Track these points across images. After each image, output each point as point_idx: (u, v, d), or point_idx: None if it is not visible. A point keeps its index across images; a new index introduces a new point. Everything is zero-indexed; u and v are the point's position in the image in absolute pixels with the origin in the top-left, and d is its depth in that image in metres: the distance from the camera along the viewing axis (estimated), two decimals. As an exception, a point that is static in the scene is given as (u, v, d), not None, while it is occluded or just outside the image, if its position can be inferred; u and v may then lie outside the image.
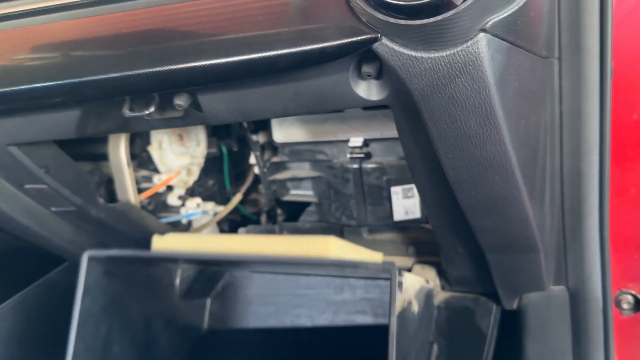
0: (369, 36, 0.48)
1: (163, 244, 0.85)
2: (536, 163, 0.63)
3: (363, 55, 0.53)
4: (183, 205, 1.05)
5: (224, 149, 1.07)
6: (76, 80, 0.58)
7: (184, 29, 0.54)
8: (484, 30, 0.46)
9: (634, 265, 0.83)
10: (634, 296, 0.84)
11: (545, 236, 0.71)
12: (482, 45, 0.47)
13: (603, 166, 0.71)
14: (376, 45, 0.49)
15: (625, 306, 0.85)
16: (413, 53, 0.48)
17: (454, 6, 0.44)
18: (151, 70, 0.54)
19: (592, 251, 0.76)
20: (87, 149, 0.95)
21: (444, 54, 0.47)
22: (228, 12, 0.53)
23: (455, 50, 0.47)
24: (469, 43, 0.47)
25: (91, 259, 0.79)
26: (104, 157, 0.94)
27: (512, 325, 0.85)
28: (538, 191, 0.65)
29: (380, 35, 0.48)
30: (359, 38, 0.48)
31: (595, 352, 0.80)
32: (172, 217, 1.04)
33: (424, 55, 0.48)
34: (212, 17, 0.54)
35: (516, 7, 0.47)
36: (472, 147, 0.54)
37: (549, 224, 0.73)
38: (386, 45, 0.48)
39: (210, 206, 1.08)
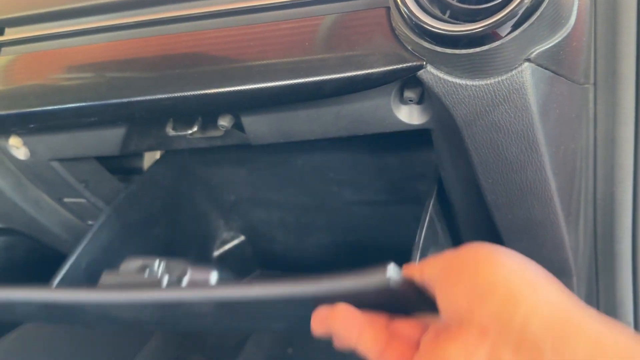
0: (414, 64, 0.49)
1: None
2: (572, 188, 0.64)
3: (406, 81, 0.54)
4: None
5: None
6: (124, 100, 0.59)
7: (232, 52, 0.56)
8: (528, 60, 0.47)
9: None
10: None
11: (578, 260, 0.71)
12: (527, 74, 0.48)
13: (637, 192, 0.71)
14: (421, 72, 0.50)
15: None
16: (458, 80, 0.49)
17: (500, 37, 0.45)
18: (199, 92, 0.56)
19: (624, 276, 0.76)
20: (122, 163, 0.97)
21: (488, 82, 0.48)
22: (275, 36, 0.55)
23: (500, 79, 0.48)
24: (513, 72, 0.48)
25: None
26: (138, 170, 0.96)
27: None
28: (573, 216, 0.66)
29: (426, 63, 0.49)
30: (404, 65, 0.50)
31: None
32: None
33: (469, 82, 0.49)
34: (259, 41, 0.55)
35: (560, 38, 0.48)
36: (513, 172, 0.55)
37: (582, 248, 0.73)
38: (431, 73, 0.49)
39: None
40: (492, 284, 0.34)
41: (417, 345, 0.39)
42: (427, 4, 0.47)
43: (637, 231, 0.74)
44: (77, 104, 0.62)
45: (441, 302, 0.37)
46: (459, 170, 0.61)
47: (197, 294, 0.47)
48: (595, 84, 0.68)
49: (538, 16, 0.45)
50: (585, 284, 0.78)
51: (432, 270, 0.38)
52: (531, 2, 0.44)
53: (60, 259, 0.85)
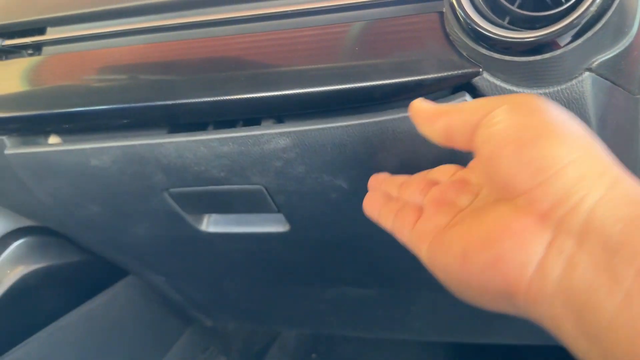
0: (470, 70, 0.48)
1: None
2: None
3: (455, 88, 0.53)
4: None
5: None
6: (168, 102, 0.59)
7: (280, 56, 0.55)
8: (589, 69, 0.46)
9: None
10: None
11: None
12: (587, 84, 0.46)
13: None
14: (476, 79, 0.49)
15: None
16: (515, 88, 0.48)
17: (560, 47, 0.44)
18: (244, 96, 0.55)
19: None
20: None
21: (547, 90, 0.47)
22: (324, 40, 0.54)
23: (559, 88, 0.47)
24: (573, 82, 0.46)
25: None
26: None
27: None
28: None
29: (482, 70, 0.48)
30: (460, 72, 0.48)
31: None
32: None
33: (526, 91, 0.48)
34: (308, 45, 0.54)
35: (622, 48, 0.46)
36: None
37: None
38: (487, 80, 0.48)
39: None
40: (561, 164, 0.30)
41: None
42: (485, 9, 0.46)
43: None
44: (119, 105, 0.61)
45: (489, 168, 0.33)
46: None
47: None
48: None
49: (602, 25, 0.43)
50: None
51: (486, 130, 0.34)
52: (596, 10, 0.43)
53: (93, 259, 0.85)
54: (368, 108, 0.55)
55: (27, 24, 0.73)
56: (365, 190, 0.59)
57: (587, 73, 0.46)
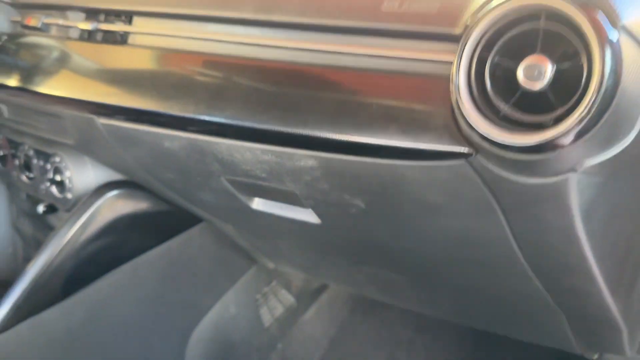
0: (464, 151, 0.52)
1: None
2: (625, 262, 0.64)
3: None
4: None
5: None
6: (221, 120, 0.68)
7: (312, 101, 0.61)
8: (573, 170, 0.48)
9: None
10: None
11: (630, 317, 0.71)
12: (572, 182, 0.48)
13: None
14: (470, 158, 0.52)
15: None
16: (504, 174, 0.51)
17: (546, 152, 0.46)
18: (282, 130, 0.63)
19: None
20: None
21: (533, 181, 0.50)
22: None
23: (544, 181, 0.49)
24: (558, 178, 0.49)
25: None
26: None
27: None
28: (625, 283, 0.66)
29: (475, 154, 0.51)
30: (454, 149, 0.52)
31: None
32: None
33: (513, 177, 0.51)
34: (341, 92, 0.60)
35: (615, 152, 0.47)
36: (553, 255, 0.57)
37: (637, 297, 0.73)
38: (479, 161, 0.52)
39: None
40: None
41: None
42: (483, 105, 0.48)
43: None
44: (187, 115, 0.71)
45: None
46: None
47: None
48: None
49: (587, 139, 0.45)
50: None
51: None
52: (582, 127, 0.44)
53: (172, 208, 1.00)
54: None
55: (116, 12, 0.83)
56: (380, 210, 0.66)
57: (571, 173, 0.48)
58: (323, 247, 0.92)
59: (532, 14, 0.46)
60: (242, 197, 0.84)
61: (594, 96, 0.43)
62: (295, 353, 1.39)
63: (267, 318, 1.32)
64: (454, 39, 0.52)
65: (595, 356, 0.87)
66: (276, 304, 1.34)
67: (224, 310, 1.22)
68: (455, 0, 0.54)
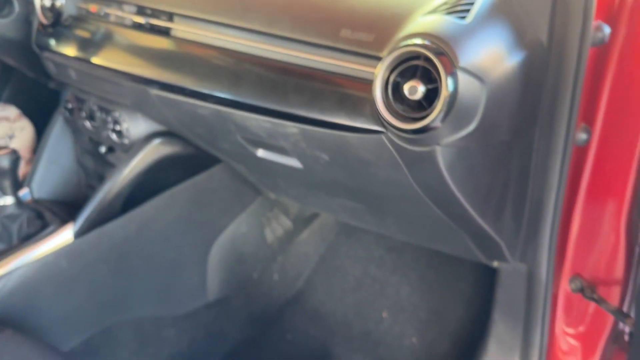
0: (381, 129, 0.87)
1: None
2: (491, 196, 1.00)
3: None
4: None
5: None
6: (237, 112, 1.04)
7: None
8: (438, 144, 0.83)
9: (585, 256, 1.17)
10: (580, 281, 1.20)
11: (505, 227, 1.07)
12: (438, 150, 0.84)
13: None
14: (384, 134, 0.88)
15: (572, 287, 1.22)
16: (402, 144, 0.86)
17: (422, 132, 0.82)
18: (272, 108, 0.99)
19: (546, 240, 1.11)
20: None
21: (417, 149, 0.85)
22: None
23: (423, 149, 0.85)
24: (430, 148, 0.84)
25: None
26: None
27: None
28: (492, 210, 1.02)
29: (387, 132, 0.87)
30: (376, 128, 0.88)
31: (538, 312, 1.19)
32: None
33: (407, 146, 0.86)
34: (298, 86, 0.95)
35: (460, 136, 0.83)
36: (438, 192, 0.93)
37: (509, 216, 1.08)
38: (389, 136, 0.87)
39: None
40: None
41: None
42: (389, 105, 0.83)
43: (558, 204, 1.05)
44: (208, 92, 1.07)
45: None
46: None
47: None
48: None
49: (442, 127, 0.80)
50: (523, 241, 1.14)
51: None
52: (439, 119, 0.79)
53: (200, 152, 1.38)
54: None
55: (161, 11, 1.17)
56: (338, 161, 1.02)
57: (436, 146, 0.83)
58: (307, 184, 1.29)
59: (416, 56, 0.80)
60: (250, 148, 1.21)
61: (444, 103, 0.78)
62: (292, 265, 1.81)
63: (270, 237, 1.73)
64: (380, 59, 0.86)
65: (495, 264, 1.25)
66: (277, 226, 1.74)
67: (237, 228, 1.63)
68: (385, 34, 0.88)
